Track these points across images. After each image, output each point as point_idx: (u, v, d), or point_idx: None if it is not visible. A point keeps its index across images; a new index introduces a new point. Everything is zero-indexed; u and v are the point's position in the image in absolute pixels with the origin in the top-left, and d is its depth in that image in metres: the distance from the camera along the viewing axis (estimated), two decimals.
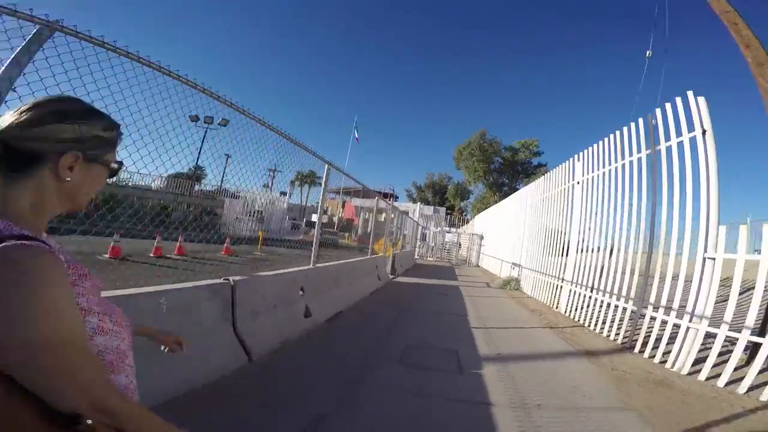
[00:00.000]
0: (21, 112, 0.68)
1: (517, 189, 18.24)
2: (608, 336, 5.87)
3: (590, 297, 6.93)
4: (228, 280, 3.42)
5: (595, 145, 7.66)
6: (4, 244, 0.59)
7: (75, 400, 0.59)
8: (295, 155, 4.84)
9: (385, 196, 41.22)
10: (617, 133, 6.80)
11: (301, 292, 4.78)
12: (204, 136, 4.20)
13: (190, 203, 25.56)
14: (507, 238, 14.63)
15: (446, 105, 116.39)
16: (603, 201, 7.17)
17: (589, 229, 7.66)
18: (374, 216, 12.37)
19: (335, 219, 41.43)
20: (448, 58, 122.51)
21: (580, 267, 7.58)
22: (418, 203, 26.37)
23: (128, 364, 0.77)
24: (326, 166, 5.54)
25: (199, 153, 4.47)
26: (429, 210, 37.51)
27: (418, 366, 3.82)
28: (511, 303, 8.83)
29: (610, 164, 7.01)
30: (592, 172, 7.70)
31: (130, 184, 23.80)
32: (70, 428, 0.59)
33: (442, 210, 37.32)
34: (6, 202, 0.67)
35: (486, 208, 26.81)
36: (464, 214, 41.71)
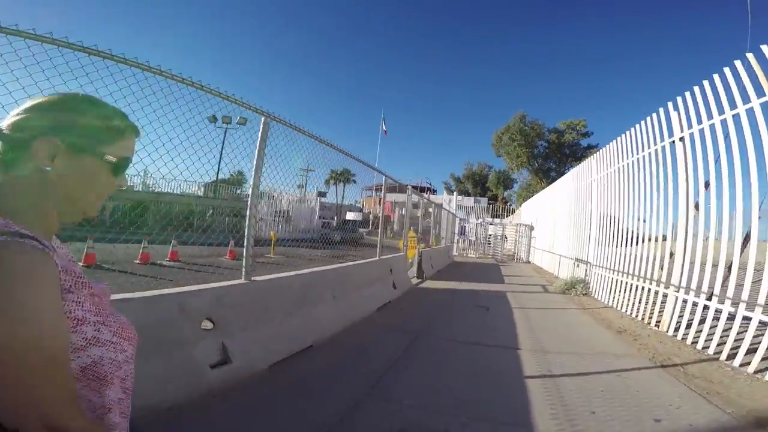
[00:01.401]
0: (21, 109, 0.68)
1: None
2: None
3: (715, 311, 4.27)
4: None
5: (705, 83, 4.94)
6: None
7: (25, 416, 0.54)
8: (328, 155, 4.92)
9: (422, 190, 38.95)
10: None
11: (209, 325, 2.72)
12: (224, 137, 4.01)
13: (216, 206, 24.98)
14: (565, 228, 11.78)
15: (480, 89, 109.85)
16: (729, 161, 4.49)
17: (697, 207, 4.97)
18: (407, 211, 10.22)
19: (370, 216, 39.80)
20: (479, 37, 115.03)
21: (698, 265, 4.92)
22: (455, 193, 23.68)
23: (124, 378, 0.70)
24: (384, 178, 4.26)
25: (221, 154, 4.17)
26: (469, 201, 34.57)
27: None
28: (583, 317, 6.25)
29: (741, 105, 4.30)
30: (702, 122, 5.00)
31: (156, 190, 23.44)
32: None
33: (484, 200, 34.38)
34: (7, 200, 0.64)
35: (533, 196, 23.68)
36: (509, 203, 38.29)
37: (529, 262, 18.01)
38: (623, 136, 7.36)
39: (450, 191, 42.82)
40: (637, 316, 6.02)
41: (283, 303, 3.56)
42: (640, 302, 6.05)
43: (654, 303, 5.74)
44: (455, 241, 20.73)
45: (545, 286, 9.58)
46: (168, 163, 2.81)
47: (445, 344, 4.19)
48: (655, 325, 5.44)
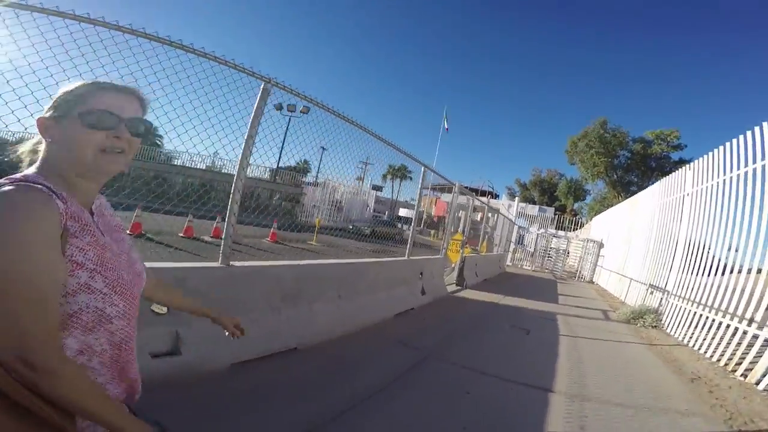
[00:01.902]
0: None
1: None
2: None
3: None
4: None
5: None
6: (10, 184, 0.65)
7: (3, 344, 0.57)
8: (385, 151, 5.08)
9: (482, 193, 37.13)
10: None
11: (163, 309, 2.33)
12: (288, 124, 4.15)
13: (274, 189, 25.97)
14: (642, 248, 10.09)
15: (556, 92, 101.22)
16: None
17: None
18: (452, 210, 9.45)
19: (424, 214, 39.01)
20: (554, 36, 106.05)
21: None
22: (516, 199, 21.88)
23: (110, 330, 0.74)
24: (423, 169, 5.74)
25: (284, 141, 4.38)
26: (533, 209, 32.13)
27: None
28: (647, 355, 5.05)
29: None
30: None
31: (223, 170, 24.84)
32: None
33: (550, 210, 31.63)
34: (43, 161, 0.75)
35: (607, 210, 21.17)
36: (578, 216, 35.00)
37: (593, 282, 16.05)
38: (735, 140, 5.83)
39: (512, 196, 40.35)
40: (719, 360, 4.69)
41: (268, 296, 3.09)
42: (723, 343, 4.73)
43: (741, 345, 4.43)
44: (510, 250, 19.23)
45: (607, 312, 8.19)
46: (236, 149, 2.98)
47: (456, 372, 3.43)
48: (742, 375, 4.15)
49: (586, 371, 3.94)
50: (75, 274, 0.67)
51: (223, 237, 2.87)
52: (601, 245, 16.96)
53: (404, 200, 41.58)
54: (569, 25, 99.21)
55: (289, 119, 4.50)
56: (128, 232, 7.59)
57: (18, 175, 0.69)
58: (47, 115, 0.76)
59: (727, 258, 5.53)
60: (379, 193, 44.47)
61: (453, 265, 8.82)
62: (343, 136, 4.16)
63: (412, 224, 6.23)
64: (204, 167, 23.30)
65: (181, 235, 9.43)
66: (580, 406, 3.01)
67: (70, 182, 0.75)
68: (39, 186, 0.65)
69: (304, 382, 2.70)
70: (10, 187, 0.63)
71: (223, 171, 24.40)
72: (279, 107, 3.70)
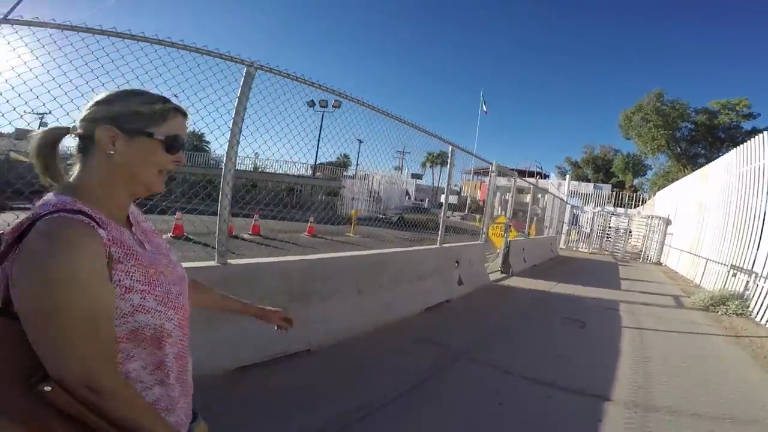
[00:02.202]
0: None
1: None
2: None
3: None
4: None
5: None
6: (51, 216, 0.64)
7: (64, 370, 0.61)
8: (419, 138, 4.97)
9: (529, 174, 35.05)
10: None
11: None
12: (321, 120, 4.08)
13: (314, 185, 26.40)
14: (719, 224, 8.77)
15: (606, 62, 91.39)
16: None
17: None
18: (490, 193, 8.75)
19: (467, 200, 37.82)
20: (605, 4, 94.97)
21: None
22: (567, 177, 20.19)
23: (172, 343, 0.78)
24: (450, 148, 5.33)
25: (319, 135, 4.43)
26: (588, 188, 29.83)
27: None
28: (730, 350, 4.24)
29: None
30: None
31: (264, 170, 25.60)
32: (33, 388, 0.60)
33: (606, 187, 29.15)
34: (76, 180, 0.75)
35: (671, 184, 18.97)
36: (638, 192, 32.03)
37: (660, 264, 14.46)
38: None
39: (563, 175, 37.76)
40: None
41: (273, 294, 2.82)
42: None
43: None
44: (563, 231, 17.89)
45: (679, 298, 7.16)
46: (273, 145, 3.30)
47: (489, 376, 2.97)
48: None
49: (651, 373, 3.29)
50: (126, 297, 0.70)
51: (217, 234, 2.63)
52: (668, 222, 15.20)
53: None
54: None
55: (323, 115, 4.85)
56: (171, 235, 7.73)
57: (51, 201, 0.69)
58: (115, 128, 0.74)
59: None
60: (419, 181, 43.73)
61: (498, 251, 8.19)
62: (374, 125, 4.14)
63: (443, 208, 5.72)
64: (251, 168, 24.12)
65: None
66: (643, 419, 2.45)
67: (117, 199, 0.78)
68: (79, 217, 0.66)
69: (308, 388, 2.41)
70: (50, 223, 0.63)
71: (266, 170, 25.29)
72: (311, 104, 3.76)
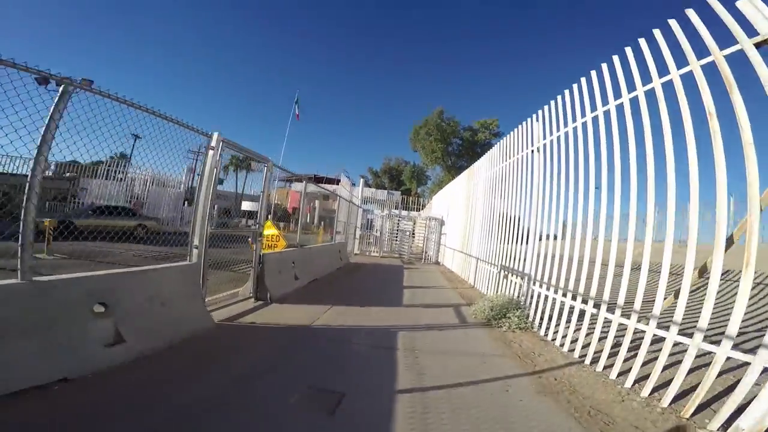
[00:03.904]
0: None
1: None
2: None
3: None
4: None
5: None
6: None
7: None
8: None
9: (328, 181, 34.72)
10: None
11: None
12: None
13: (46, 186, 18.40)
14: (481, 224, 8.69)
15: (403, 83, 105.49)
16: None
17: None
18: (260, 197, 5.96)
19: (272, 207, 34.53)
20: (398, 33, 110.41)
21: None
22: (361, 182, 20.22)
23: None
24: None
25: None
26: (383, 194, 31.44)
27: None
28: (552, 415, 2.79)
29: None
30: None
31: None
32: None
33: (397, 193, 31.58)
34: None
35: None
36: (422, 199, 36.33)
37: (439, 263, 15.07)
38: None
39: (366, 184, 39.40)
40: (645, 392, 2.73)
41: None
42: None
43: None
44: (357, 236, 17.06)
45: (461, 310, 6.16)
46: None
47: None
48: None
49: None
50: None
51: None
52: (442, 222, 16.18)
53: (251, 193, 36.39)
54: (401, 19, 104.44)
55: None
56: None
57: None
58: None
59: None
60: (219, 186, 37.64)
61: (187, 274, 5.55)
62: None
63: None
64: None
65: None
66: None
67: None
68: None
69: None
70: None
71: None
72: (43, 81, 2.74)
